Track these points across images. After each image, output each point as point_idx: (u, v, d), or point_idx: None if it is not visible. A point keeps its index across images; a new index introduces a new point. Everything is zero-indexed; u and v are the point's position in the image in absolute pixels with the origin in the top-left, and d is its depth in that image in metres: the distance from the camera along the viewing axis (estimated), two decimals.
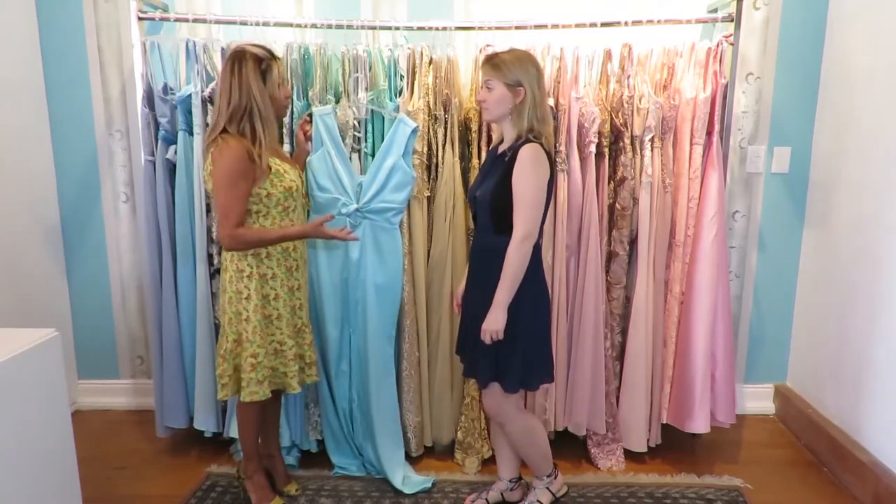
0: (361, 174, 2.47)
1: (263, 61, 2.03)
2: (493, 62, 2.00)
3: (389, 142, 2.39)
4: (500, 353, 2.04)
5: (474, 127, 2.54)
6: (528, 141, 1.97)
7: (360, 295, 2.45)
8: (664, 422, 2.69)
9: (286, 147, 2.49)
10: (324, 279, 2.46)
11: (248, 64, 2.01)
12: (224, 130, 2.03)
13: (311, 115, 2.42)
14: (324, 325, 2.50)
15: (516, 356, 2.04)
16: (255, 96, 2.00)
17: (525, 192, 1.95)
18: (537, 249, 2.10)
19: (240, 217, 2.03)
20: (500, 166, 2.01)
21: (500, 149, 2.09)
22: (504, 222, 1.99)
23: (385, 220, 2.41)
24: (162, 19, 2.65)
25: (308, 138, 2.40)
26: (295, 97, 2.48)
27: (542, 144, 1.98)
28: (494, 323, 1.98)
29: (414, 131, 2.38)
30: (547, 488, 2.28)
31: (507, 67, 1.97)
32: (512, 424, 2.15)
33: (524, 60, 2.00)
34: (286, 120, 2.47)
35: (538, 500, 2.26)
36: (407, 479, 2.48)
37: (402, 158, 2.37)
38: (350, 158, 2.48)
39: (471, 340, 2.12)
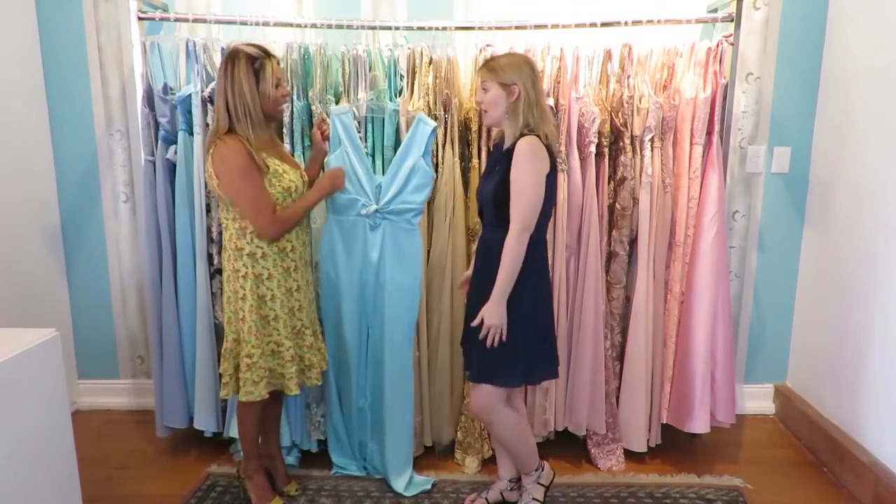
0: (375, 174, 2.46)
1: (256, 60, 2.03)
2: (489, 65, 2.06)
3: (409, 142, 2.37)
4: (499, 350, 2.04)
5: (474, 127, 2.54)
6: (524, 135, 1.99)
7: (379, 297, 2.43)
8: (664, 422, 2.69)
9: (286, 148, 2.49)
10: (343, 280, 2.43)
11: (241, 63, 2.01)
12: (225, 131, 2.04)
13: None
14: (342, 326, 2.47)
15: (517, 352, 2.05)
16: (246, 96, 2.01)
17: (522, 184, 1.96)
18: (542, 245, 2.11)
19: (271, 204, 2.06)
20: (504, 162, 2.02)
21: (505, 146, 2.10)
22: (508, 217, 2.00)
23: (405, 221, 2.39)
24: (162, 19, 2.65)
25: (326, 138, 2.38)
26: (295, 97, 2.48)
27: (539, 138, 1.99)
28: (494, 317, 1.98)
29: (433, 131, 2.37)
30: (537, 483, 2.26)
31: (501, 68, 2.02)
32: (500, 423, 2.15)
33: (518, 61, 2.05)
34: (286, 119, 2.47)
35: (534, 499, 2.25)
36: (407, 478, 2.47)
37: (421, 158, 2.35)
38: None
39: (473, 334, 2.13)
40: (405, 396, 2.47)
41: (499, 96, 2.02)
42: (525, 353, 2.06)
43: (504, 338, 2.00)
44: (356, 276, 2.44)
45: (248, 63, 2.02)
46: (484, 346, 2.04)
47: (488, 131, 2.52)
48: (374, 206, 2.37)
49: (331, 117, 2.38)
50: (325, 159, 2.39)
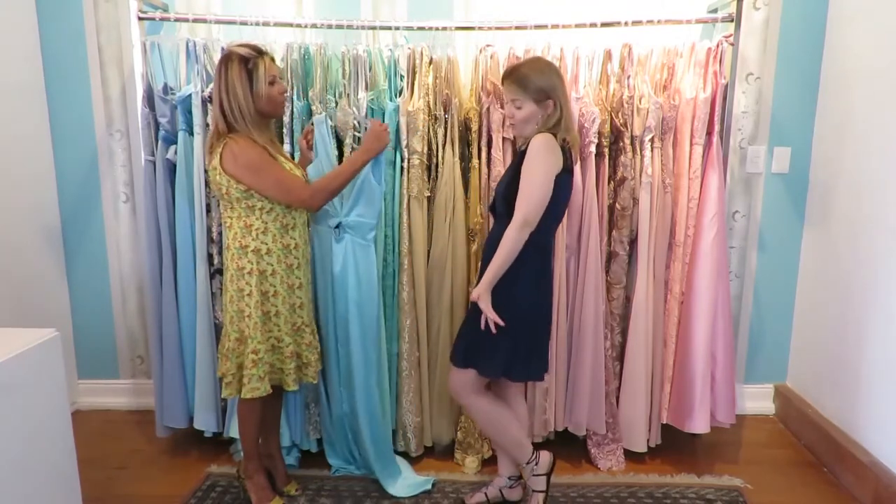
0: None
1: (249, 61, 2.04)
2: (518, 80, 2.03)
3: None
4: (484, 340, 2.05)
5: (474, 127, 2.54)
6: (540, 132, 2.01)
7: (342, 310, 2.42)
8: (664, 422, 2.69)
9: (286, 147, 2.49)
10: (319, 290, 2.45)
11: (234, 65, 2.03)
12: (227, 133, 2.06)
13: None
14: (323, 335, 2.48)
15: (500, 346, 2.05)
16: (240, 97, 2.03)
17: (529, 175, 1.96)
18: (547, 249, 2.11)
19: (300, 180, 2.13)
20: (522, 159, 2.03)
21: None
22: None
23: (360, 237, 2.38)
24: (162, 19, 2.65)
25: (311, 146, 2.39)
26: (295, 97, 2.48)
27: (555, 136, 2.00)
28: (479, 299, 2.00)
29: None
30: (534, 475, 2.23)
31: (533, 83, 2.01)
32: (472, 408, 2.17)
33: (546, 71, 2.04)
34: (286, 120, 2.47)
35: (535, 491, 2.23)
36: (406, 480, 2.48)
37: (370, 172, 2.31)
38: None
39: (467, 319, 2.16)
40: (374, 411, 2.45)
41: (533, 113, 2.03)
42: (508, 349, 2.06)
43: (490, 314, 2.01)
44: (328, 287, 2.43)
45: (241, 64, 2.03)
46: (472, 333, 2.06)
47: (489, 131, 2.52)
48: (338, 219, 2.37)
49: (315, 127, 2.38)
50: (308, 167, 2.38)
